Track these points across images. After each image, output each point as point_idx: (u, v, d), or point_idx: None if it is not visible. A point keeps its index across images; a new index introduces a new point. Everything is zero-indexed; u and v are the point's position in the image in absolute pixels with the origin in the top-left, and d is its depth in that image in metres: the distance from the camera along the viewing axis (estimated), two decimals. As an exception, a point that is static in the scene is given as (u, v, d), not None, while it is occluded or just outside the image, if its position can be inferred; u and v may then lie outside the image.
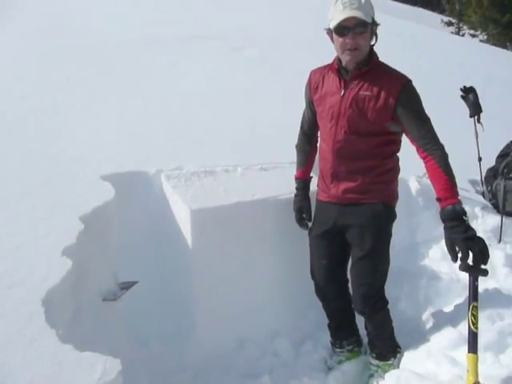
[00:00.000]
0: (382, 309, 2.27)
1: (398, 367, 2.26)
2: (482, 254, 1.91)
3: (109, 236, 2.22)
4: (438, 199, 2.02)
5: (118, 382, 1.33)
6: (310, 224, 2.44)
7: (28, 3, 7.05)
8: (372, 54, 2.15)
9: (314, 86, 2.27)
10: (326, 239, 2.32)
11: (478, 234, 1.96)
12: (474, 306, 1.92)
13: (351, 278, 2.29)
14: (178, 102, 4.23)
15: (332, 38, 2.11)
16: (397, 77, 2.12)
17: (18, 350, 1.32)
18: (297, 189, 2.51)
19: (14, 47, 5.03)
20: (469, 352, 1.87)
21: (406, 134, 2.12)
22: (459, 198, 2.00)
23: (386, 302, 2.30)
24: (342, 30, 2.02)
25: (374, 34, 2.10)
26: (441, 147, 2.05)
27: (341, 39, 2.04)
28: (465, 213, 1.96)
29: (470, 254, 1.91)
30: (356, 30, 2.00)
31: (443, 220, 1.99)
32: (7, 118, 3.17)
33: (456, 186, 2.01)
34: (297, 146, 2.53)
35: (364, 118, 2.10)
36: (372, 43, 2.13)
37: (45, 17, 6.47)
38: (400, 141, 2.23)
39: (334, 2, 2.06)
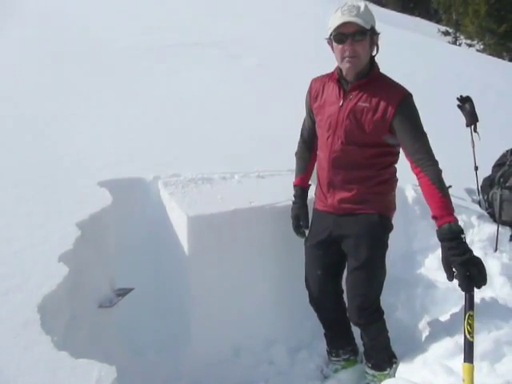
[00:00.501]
0: (377, 320, 2.26)
1: (394, 377, 2.26)
2: (482, 276, 1.94)
3: (106, 242, 2.22)
4: (434, 217, 2.00)
5: (113, 389, 1.33)
6: (306, 232, 2.43)
7: (27, 9, 7.08)
8: (373, 65, 2.14)
9: (314, 95, 2.27)
10: (322, 249, 2.31)
11: (474, 254, 1.96)
12: (469, 315, 1.92)
13: (346, 288, 2.28)
14: (177, 109, 4.25)
15: (332, 47, 2.12)
16: (396, 89, 2.10)
17: (13, 357, 1.31)
18: (294, 196, 2.49)
19: (12, 54, 5.04)
20: (464, 361, 1.87)
21: (402, 148, 2.12)
22: (455, 215, 1.99)
23: (382, 313, 2.28)
24: (340, 36, 2.03)
25: (374, 43, 2.10)
26: (435, 163, 2.03)
27: (340, 46, 2.05)
28: (461, 231, 1.96)
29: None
30: (354, 37, 2.00)
31: (440, 239, 1.98)
32: (6, 124, 3.18)
33: (451, 202, 2.00)
34: (296, 154, 2.52)
35: (361, 129, 2.09)
36: (373, 53, 2.12)
37: (44, 23, 6.49)
38: (398, 152, 2.21)
39: (334, 11, 2.08)
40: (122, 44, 6.05)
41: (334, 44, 2.08)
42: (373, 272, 2.21)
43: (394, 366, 2.30)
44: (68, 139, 3.12)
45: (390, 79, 2.17)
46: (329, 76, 2.24)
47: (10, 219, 1.94)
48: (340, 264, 2.34)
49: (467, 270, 1.91)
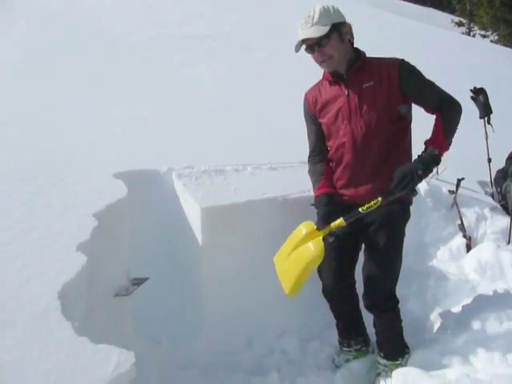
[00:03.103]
0: (392, 308, 2.28)
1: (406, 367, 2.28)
2: (401, 178, 2.04)
3: (121, 233, 2.26)
4: (425, 143, 2.15)
5: (131, 374, 1.36)
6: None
7: (39, 3, 7.11)
8: (356, 49, 2.23)
9: (312, 102, 2.34)
10: (339, 242, 2.29)
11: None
12: (379, 201, 2.09)
13: (363, 275, 2.28)
14: (190, 102, 4.27)
15: None
16: (391, 60, 2.20)
17: (35, 342, 1.35)
18: (320, 203, 2.31)
19: (23, 48, 5.08)
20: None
21: (421, 105, 2.20)
22: (446, 148, 2.12)
23: (397, 302, 2.30)
24: (307, 49, 2.17)
25: (344, 34, 2.15)
26: (453, 105, 2.15)
27: (312, 56, 2.18)
28: (434, 161, 2.06)
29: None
30: (319, 46, 2.11)
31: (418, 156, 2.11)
32: (20, 119, 3.22)
33: (449, 134, 2.13)
34: (309, 171, 2.47)
35: (376, 107, 2.15)
36: (347, 41, 2.17)
37: (57, 18, 6.53)
38: (410, 123, 2.28)
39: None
40: (135, 38, 6.06)
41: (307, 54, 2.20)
42: (390, 260, 2.23)
43: (407, 356, 2.31)
44: (82, 132, 3.16)
45: (378, 57, 2.26)
46: (321, 81, 2.34)
47: (28, 210, 1.98)
48: (355, 255, 2.37)
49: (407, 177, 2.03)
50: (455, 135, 2.18)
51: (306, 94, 2.40)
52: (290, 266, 2.17)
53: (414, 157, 2.21)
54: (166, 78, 4.86)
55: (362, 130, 2.18)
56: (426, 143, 2.14)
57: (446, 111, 2.14)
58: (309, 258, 2.09)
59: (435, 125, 2.15)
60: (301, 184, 2.56)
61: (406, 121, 2.25)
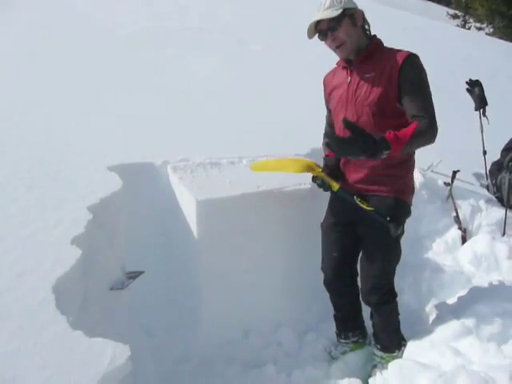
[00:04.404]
0: (389, 301, 2.28)
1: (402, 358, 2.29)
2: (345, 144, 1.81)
3: (116, 226, 2.25)
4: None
5: (127, 367, 1.36)
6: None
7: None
8: (369, 36, 2.14)
9: (326, 85, 2.33)
10: (338, 231, 2.31)
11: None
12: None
13: (360, 269, 2.29)
14: (184, 94, 4.25)
15: None
16: (399, 52, 2.06)
17: (30, 336, 1.34)
18: (325, 165, 2.32)
19: (15, 41, 5.04)
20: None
21: (404, 108, 2.02)
22: (396, 151, 1.84)
23: (395, 295, 2.30)
24: (320, 36, 2.12)
25: (357, 19, 2.08)
26: (431, 121, 1.94)
27: (325, 42, 2.13)
28: (385, 146, 1.80)
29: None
30: (332, 30, 2.06)
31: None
32: (16, 111, 3.20)
33: (410, 141, 1.86)
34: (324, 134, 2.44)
35: (370, 99, 2.06)
36: (360, 26, 2.10)
37: (46, 10, 6.47)
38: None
39: None
40: (127, 30, 6.02)
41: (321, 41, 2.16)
42: (387, 254, 2.22)
43: (403, 348, 2.32)
44: (77, 125, 3.14)
45: (391, 48, 2.13)
46: (337, 65, 2.28)
47: (22, 204, 1.96)
48: (356, 246, 2.32)
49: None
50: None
51: (324, 77, 2.36)
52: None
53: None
54: (161, 71, 4.83)
55: (353, 120, 2.09)
56: (389, 134, 1.86)
57: (423, 124, 1.93)
58: (288, 159, 2.28)
59: (407, 128, 1.90)
60: (296, 177, 2.55)
61: (402, 121, 2.02)
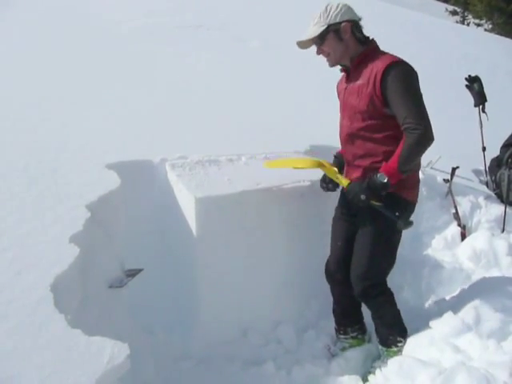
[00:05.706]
0: (375, 295, 2.28)
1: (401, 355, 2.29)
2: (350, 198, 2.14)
3: (115, 224, 2.24)
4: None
5: (125, 365, 1.35)
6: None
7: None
8: (364, 43, 2.21)
9: (337, 92, 2.43)
10: (343, 221, 2.40)
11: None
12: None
13: (352, 259, 2.32)
14: (182, 92, 4.24)
15: None
16: (383, 60, 2.10)
17: (28, 335, 1.34)
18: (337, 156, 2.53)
19: (17, 37, 5.02)
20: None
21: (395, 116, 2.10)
22: (398, 176, 2.04)
23: (382, 291, 2.30)
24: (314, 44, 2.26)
25: (340, 33, 2.17)
26: (419, 128, 1.99)
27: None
28: (382, 186, 2.04)
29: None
30: (316, 44, 2.23)
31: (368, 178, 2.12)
32: (13, 108, 3.18)
33: (401, 168, 2.03)
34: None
35: (360, 105, 2.16)
36: (347, 38, 2.17)
37: (46, 6, 6.44)
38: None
39: None
40: (125, 27, 6.00)
41: None
42: (376, 247, 2.22)
43: (400, 344, 2.31)
44: (74, 122, 3.13)
45: (384, 53, 2.19)
46: (340, 71, 2.40)
47: (20, 202, 1.95)
48: None
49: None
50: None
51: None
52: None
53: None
54: (159, 68, 4.81)
55: (347, 126, 2.26)
56: (382, 167, 2.07)
57: (409, 137, 2.01)
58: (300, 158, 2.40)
59: (397, 150, 2.04)
60: (295, 174, 2.55)
61: (393, 122, 2.09)
